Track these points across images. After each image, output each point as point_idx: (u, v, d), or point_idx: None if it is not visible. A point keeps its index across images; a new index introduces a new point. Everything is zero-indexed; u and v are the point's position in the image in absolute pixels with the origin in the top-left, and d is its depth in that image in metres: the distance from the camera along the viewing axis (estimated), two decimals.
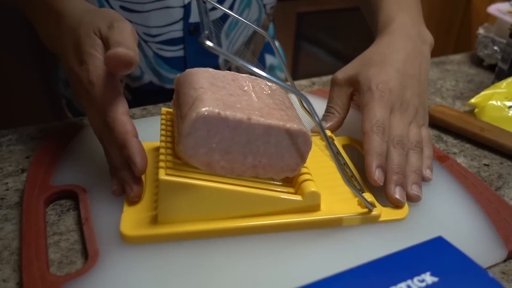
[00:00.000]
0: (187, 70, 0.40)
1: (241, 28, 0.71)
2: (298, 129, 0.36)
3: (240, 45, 0.74)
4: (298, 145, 0.37)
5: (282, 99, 0.40)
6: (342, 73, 0.50)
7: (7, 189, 0.44)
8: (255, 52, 0.81)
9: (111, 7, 0.61)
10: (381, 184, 0.42)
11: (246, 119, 0.35)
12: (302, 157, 0.38)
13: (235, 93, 0.37)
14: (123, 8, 0.62)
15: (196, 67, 0.40)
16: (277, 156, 0.37)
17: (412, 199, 0.42)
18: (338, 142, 0.49)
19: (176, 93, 0.40)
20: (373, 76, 0.47)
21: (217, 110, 0.34)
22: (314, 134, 0.50)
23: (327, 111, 0.51)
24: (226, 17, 0.67)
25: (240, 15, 0.69)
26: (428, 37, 0.54)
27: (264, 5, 0.72)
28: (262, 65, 0.86)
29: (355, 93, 0.50)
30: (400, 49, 0.50)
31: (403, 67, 0.48)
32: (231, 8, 0.67)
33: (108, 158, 0.40)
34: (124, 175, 0.39)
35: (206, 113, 0.33)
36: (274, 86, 0.42)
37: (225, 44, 0.70)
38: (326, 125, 0.50)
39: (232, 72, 0.41)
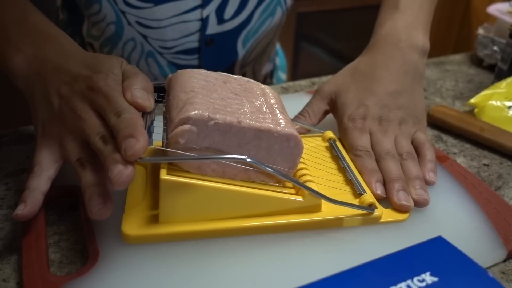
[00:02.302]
0: (179, 71, 0.40)
1: (260, 36, 0.71)
2: (289, 132, 0.36)
3: (258, 52, 0.74)
4: (289, 149, 0.37)
5: (275, 103, 0.40)
6: (327, 87, 0.52)
7: (7, 189, 0.44)
8: (271, 52, 0.81)
9: (128, 21, 0.62)
10: (385, 196, 0.42)
11: (236, 122, 0.35)
12: (294, 161, 0.38)
13: (226, 97, 0.37)
14: (139, 23, 0.62)
15: None
16: (269, 160, 0.37)
17: (419, 203, 0.42)
18: (341, 143, 0.49)
19: (167, 94, 0.40)
20: (348, 104, 0.49)
21: (206, 114, 0.34)
22: (306, 135, 0.50)
23: (301, 113, 0.53)
24: (244, 25, 0.67)
25: (262, 24, 0.69)
26: (419, 42, 0.52)
27: (287, 9, 0.72)
28: (270, 65, 0.85)
29: (330, 111, 0.53)
30: (381, 64, 0.51)
31: (381, 85, 0.50)
32: (250, 17, 0.66)
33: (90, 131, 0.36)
34: (113, 157, 0.33)
35: (195, 116, 0.33)
36: (267, 89, 0.42)
37: (241, 53, 0.70)
38: (296, 126, 0.51)
39: (224, 74, 0.41)
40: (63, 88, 0.38)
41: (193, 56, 0.67)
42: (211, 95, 0.37)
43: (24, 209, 0.35)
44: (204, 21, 0.63)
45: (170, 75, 0.40)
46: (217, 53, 0.68)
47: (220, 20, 0.64)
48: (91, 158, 0.37)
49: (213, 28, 0.65)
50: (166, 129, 0.37)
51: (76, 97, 0.37)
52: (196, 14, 0.62)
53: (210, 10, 0.63)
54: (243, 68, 0.74)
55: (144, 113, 0.37)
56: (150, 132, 0.35)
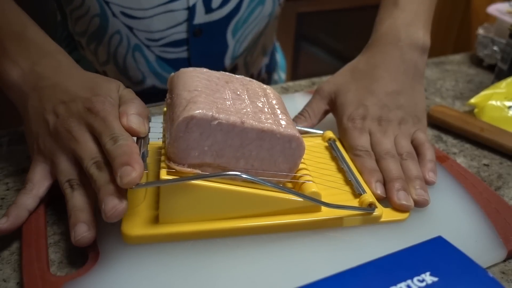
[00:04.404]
0: (181, 70, 0.40)
1: (251, 25, 0.69)
2: (291, 134, 0.36)
3: (249, 43, 0.72)
4: (291, 150, 0.37)
5: (276, 103, 0.40)
6: (327, 86, 0.52)
7: (8, 189, 0.44)
8: (266, 45, 0.79)
9: (112, 12, 0.61)
10: (385, 196, 0.42)
11: (240, 122, 0.35)
12: (295, 162, 0.38)
13: (229, 97, 0.37)
14: (124, 14, 0.61)
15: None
16: (270, 161, 0.37)
17: (419, 203, 0.42)
18: (340, 143, 0.49)
19: (170, 93, 0.40)
20: (347, 104, 0.49)
21: (210, 113, 0.34)
22: (306, 135, 0.50)
23: (301, 113, 0.52)
24: (233, 14, 0.65)
25: (252, 13, 0.67)
26: (419, 40, 0.52)
27: None
28: (271, 62, 0.85)
29: (330, 111, 0.53)
30: (380, 64, 0.51)
31: (380, 85, 0.50)
32: (239, 5, 0.65)
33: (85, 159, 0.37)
34: (107, 189, 0.34)
35: (199, 115, 0.33)
36: (268, 89, 0.42)
37: (231, 44, 0.69)
38: (296, 126, 0.51)
39: (227, 73, 0.41)
40: (60, 107, 0.39)
41: (181, 48, 0.66)
42: (214, 95, 0.37)
43: (5, 224, 0.36)
44: (191, 10, 0.62)
45: (172, 74, 0.40)
46: (206, 44, 0.67)
47: (208, 9, 0.63)
48: (80, 181, 0.37)
49: (200, 17, 0.63)
50: (170, 126, 0.37)
51: (72, 117, 0.38)
52: (183, 3, 0.61)
53: None
54: (234, 60, 0.72)
55: (139, 138, 0.38)
56: (144, 157, 0.36)
